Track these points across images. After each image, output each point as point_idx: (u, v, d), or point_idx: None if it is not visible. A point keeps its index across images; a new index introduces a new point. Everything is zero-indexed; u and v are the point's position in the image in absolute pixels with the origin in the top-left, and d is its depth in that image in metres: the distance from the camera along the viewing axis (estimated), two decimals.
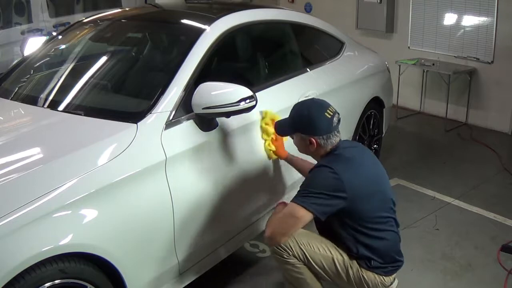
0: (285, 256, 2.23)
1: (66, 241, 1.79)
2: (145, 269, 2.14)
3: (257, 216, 2.84)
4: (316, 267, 2.24)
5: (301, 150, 2.37)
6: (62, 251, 1.78)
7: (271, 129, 2.65)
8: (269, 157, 2.75)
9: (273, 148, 2.71)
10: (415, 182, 4.13)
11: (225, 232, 2.61)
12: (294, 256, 2.22)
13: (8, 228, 1.67)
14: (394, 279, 2.42)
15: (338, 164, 2.14)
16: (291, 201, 2.15)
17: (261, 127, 2.70)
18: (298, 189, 2.19)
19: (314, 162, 2.39)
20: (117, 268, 1.97)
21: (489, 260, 3.05)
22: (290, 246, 2.21)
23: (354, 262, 2.24)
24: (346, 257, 2.25)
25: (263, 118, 2.70)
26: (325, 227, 2.31)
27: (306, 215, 2.09)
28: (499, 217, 3.57)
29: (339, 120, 2.26)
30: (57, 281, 1.78)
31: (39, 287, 1.73)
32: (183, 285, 2.40)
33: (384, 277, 2.26)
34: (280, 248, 2.22)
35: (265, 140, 2.72)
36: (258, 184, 2.79)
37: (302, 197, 2.11)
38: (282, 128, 2.42)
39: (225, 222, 2.59)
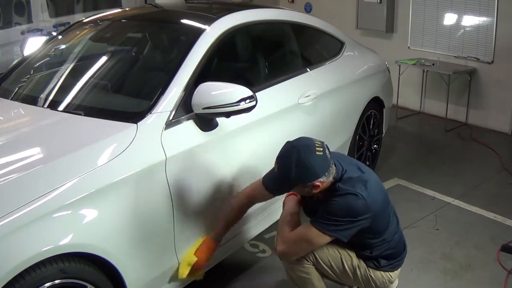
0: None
1: (66, 241, 1.79)
2: (145, 269, 2.14)
3: (257, 216, 2.84)
4: (324, 265, 2.23)
5: (303, 194, 2.26)
6: (62, 251, 1.78)
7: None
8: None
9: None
10: (415, 182, 4.13)
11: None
12: (303, 256, 2.22)
13: (8, 228, 1.67)
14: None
15: (357, 186, 2.08)
16: (312, 224, 2.10)
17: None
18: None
19: None
20: (117, 268, 1.97)
21: (489, 260, 3.05)
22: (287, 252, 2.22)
23: (362, 262, 2.25)
24: (354, 256, 2.25)
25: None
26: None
27: (325, 240, 2.10)
28: (499, 217, 3.57)
29: (328, 148, 2.13)
30: (57, 281, 1.78)
31: (39, 287, 1.73)
32: (183, 285, 2.40)
33: (390, 274, 2.29)
34: None
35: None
36: None
37: (325, 224, 2.07)
38: (278, 188, 2.19)
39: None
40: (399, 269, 2.35)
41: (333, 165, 2.11)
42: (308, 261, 2.24)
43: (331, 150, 2.18)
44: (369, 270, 2.24)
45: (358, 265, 2.25)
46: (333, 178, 2.11)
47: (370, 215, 2.07)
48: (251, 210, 2.75)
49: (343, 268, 2.25)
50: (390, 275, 2.29)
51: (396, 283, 2.43)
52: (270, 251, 3.12)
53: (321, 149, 2.08)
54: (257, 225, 2.86)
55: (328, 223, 2.07)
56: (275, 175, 2.13)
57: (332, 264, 2.24)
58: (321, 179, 2.05)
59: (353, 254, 2.26)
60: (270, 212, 2.94)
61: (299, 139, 2.15)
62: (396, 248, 2.29)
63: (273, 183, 2.15)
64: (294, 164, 2.04)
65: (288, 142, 2.15)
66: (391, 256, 2.27)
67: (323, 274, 2.30)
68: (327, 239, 2.10)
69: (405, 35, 6.15)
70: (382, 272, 2.26)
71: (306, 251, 2.19)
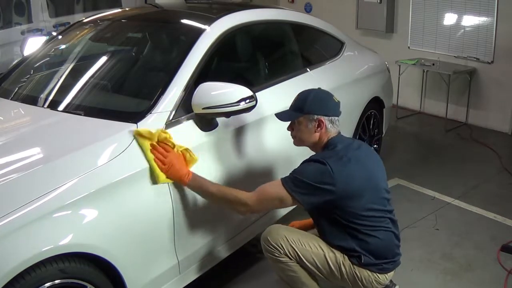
0: (277, 255, 2.25)
1: (66, 241, 1.79)
2: (145, 269, 2.14)
3: (257, 216, 2.84)
4: (308, 265, 2.25)
5: (304, 138, 2.31)
6: (62, 251, 1.78)
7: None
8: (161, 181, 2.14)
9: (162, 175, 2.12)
10: (415, 182, 4.13)
11: (225, 232, 2.61)
12: (286, 255, 2.23)
13: (8, 228, 1.67)
14: (393, 283, 2.42)
15: (332, 158, 2.16)
16: (281, 181, 2.17)
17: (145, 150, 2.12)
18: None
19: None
20: (117, 268, 1.97)
21: (489, 260, 3.05)
22: (281, 245, 2.23)
23: (346, 259, 2.24)
24: (338, 254, 2.25)
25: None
26: (319, 221, 2.32)
27: (289, 200, 2.16)
28: (499, 217, 3.57)
29: (340, 112, 2.33)
30: (57, 281, 1.78)
31: (39, 287, 1.73)
32: (183, 285, 2.40)
33: (378, 275, 2.25)
34: (271, 246, 2.24)
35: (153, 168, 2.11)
36: (258, 184, 2.78)
37: (291, 183, 2.15)
38: (288, 113, 2.34)
39: (225, 222, 2.59)
40: (390, 274, 2.31)
41: (338, 126, 2.30)
42: (292, 259, 2.24)
43: None
44: (353, 267, 2.23)
45: (342, 262, 2.23)
46: (332, 135, 2.27)
47: (333, 189, 2.10)
48: None
49: (328, 267, 2.24)
50: (378, 276, 2.25)
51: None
52: None
53: (337, 100, 2.31)
54: (257, 225, 2.86)
55: (292, 182, 2.14)
56: (288, 109, 2.35)
57: (317, 262, 2.24)
58: (327, 119, 2.25)
59: (337, 252, 2.25)
60: (270, 212, 2.94)
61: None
62: (381, 248, 2.24)
63: (283, 112, 2.37)
64: (312, 96, 2.28)
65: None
66: (375, 254, 2.22)
67: (311, 275, 2.30)
68: (287, 197, 2.14)
69: (405, 35, 6.16)
70: (368, 271, 2.23)
71: (269, 203, 2.24)
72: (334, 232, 2.26)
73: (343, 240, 2.23)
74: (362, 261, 2.21)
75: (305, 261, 2.24)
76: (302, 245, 2.24)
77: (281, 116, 2.37)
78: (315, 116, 2.26)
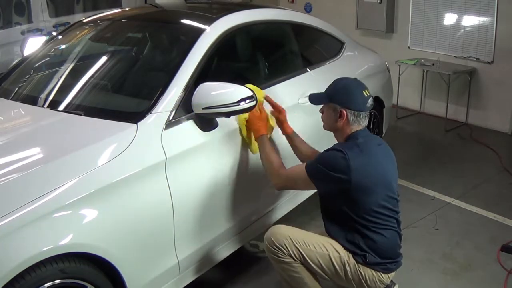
0: (281, 256, 2.24)
1: (66, 241, 1.79)
2: (145, 269, 2.14)
3: (257, 216, 2.84)
4: (313, 265, 2.23)
5: (328, 124, 2.38)
6: (62, 251, 1.78)
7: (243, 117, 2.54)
8: (253, 151, 2.61)
9: (251, 139, 2.58)
10: (415, 182, 4.13)
11: (225, 232, 2.61)
12: (290, 256, 2.22)
13: (8, 228, 1.67)
14: (393, 282, 2.42)
15: (352, 150, 2.19)
16: (307, 163, 2.29)
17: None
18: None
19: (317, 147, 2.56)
20: (117, 268, 1.97)
21: (489, 260, 3.05)
22: (286, 246, 2.22)
23: (351, 258, 2.23)
24: (342, 253, 2.24)
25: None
26: (329, 215, 2.33)
27: (306, 180, 2.24)
28: (499, 217, 3.57)
29: (371, 105, 2.32)
30: (57, 281, 1.78)
31: (39, 287, 1.73)
32: (183, 285, 2.40)
33: (382, 274, 2.25)
34: (275, 247, 2.23)
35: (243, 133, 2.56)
36: (258, 184, 2.79)
37: (313, 167, 2.23)
38: (318, 97, 2.42)
39: (225, 221, 2.59)
40: (392, 274, 2.31)
41: (364, 120, 2.30)
42: (296, 260, 2.24)
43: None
44: (358, 266, 2.22)
45: (347, 261, 2.22)
46: (355, 129, 2.28)
47: (348, 178, 2.13)
48: (251, 210, 2.76)
49: (333, 267, 2.23)
50: (382, 276, 2.25)
51: (396, 287, 2.43)
52: None
53: (368, 94, 2.29)
54: (257, 226, 2.86)
55: (312, 167, 2.23)
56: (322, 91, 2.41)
57: (321, 263, 2.23)
58: (349, 111, 2.26)
59: (340, 249, 2.24)
60: (271, 212, 2.94)
61: (360, 81, 2.37)
62: (387, 247, 2.24)
63: (318, 93, 2.44)
64: (341, 86, 2.33)
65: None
66: (381, 253, 2.22)
67: (315, 275, 2.29)
68: (307, 180, 2.24)
69: (405, 35, 6.16)
70: (372, 271, 2.23)
71: (294, 182, 2.37)
72: (342, 227, 2.26)
73: (350, 235, 2.24)
74: (368, 260, 2.21)
75: (309, 261, 2.23)
76: (306, 245, 2.23)
77: (311, 98, 2.45)
78: (338, 107, 2.28)
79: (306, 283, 2.28)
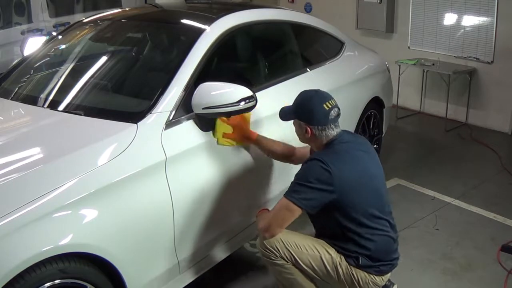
0: (273, 258, 2.25)
1: (66, 241, 1.79)
2: (145, 269, 2.14)
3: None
4: (305, 267, 2.24)
5: (300, 138, 2.38)
6: (62, 251, 1.78)
7: (221, 126, 2.48)
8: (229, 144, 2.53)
9: (226, 140, 2.50)
10: (415, 182, 4.13)
11: (225, 232, 2.61)
12: (282, 258, 2.23)
13: (8, 228, 1.67)
14: (391, 282, 2.42)
15: (329, 156, 2.17)
16: (284, 195, 2.19)
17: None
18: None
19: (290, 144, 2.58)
20: (117, 268, 1.97)
21: (489, 260, 3.05)
22: (277, 248, 2.22)
23: (343, 260, 2.23)
24: (334, 254, 2.24)
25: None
26: (319, 224, 2.32)
27: (296, 209, 2.14)
28: (499, 217, 3.57)
29: (338, 114, 2.27)
30: (57, 281, 1.78)
31: (39, 287, 1.73)
32: (183, 285, 2.40)
33: (375, 276, 2.25)
34: (267, 250, 2.24)
35: (217, 135, 2.47)
36: (258, 184, 2.79)
37: (292, 191, 2.16)
38: (285, 113, 2.40)
39: (225, 222, 2.59)
40: (387, 275, 2.30)
41: (333, 129, 2.24)
42: (288, 262, 2.24)
43: None
44: (350, 268, 2.22)
45: (339, 262, 2.22)
46: (326, 141, 2.25)
47: (334, 189, 2.10)
48: (251, 210, 2.76)
49: (325, 268, 2.23)
50: (375, 278, 2.24)
51: (395, 287, 2.43)
52: None
53: (330, 106, 2.23)
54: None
55: (294, 190, 2.15)
56: (290, 105, 2.37)
57: (313, 264, 2.23)
58: (313, 127, 2.23)
59: (332, 251, 2.24)
60: None
61: (323, 91, 2.33)
62: (379, 248, 2.23)
63: (286, 109, 2.40)
64: (301, 101, 2.31)
65: (315, 89, 2.38)
66: (372, 256, 2.22)
67: (309, 277, 2.29)
68: (293, 207, 2.13)
69: (405, 35, 6.16)
70: (365, 273, 2.22)
71: (285, 221, 2.20)
72: (333, 232, 2.25)
73: (341, 239, 2.23)
74: (360, 263, 2.21)
75: (301, 263, 2.23)
76: (298, 247, 2.23)
77: (280, 114, 2.43)
78: (303, 124, 2.28)
79: (300, 284, 2.28)
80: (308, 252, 2.24)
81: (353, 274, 2.22)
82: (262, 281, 2.85)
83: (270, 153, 2.67)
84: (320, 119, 2.22)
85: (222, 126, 2.47)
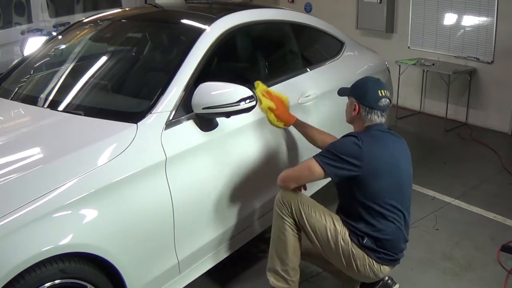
0: (284, 213, 2.39)
1: (66, 241, 1.79)
2: (145, 269, 2.14)
3: (257, 216, 2.84)
4: (309, 229, 2.36)
5: (347, 116, 2.51)
6: (62, 251, 1.78)
7: (267, 100, 2.70)
8: (277, 126, 2.79)
9: (274, 119, 2.75)
10: (415, 182, 4.04)
11: (225, 232, 2.61)
12: (292, 216, 2.38)
13: (8, 228, 1.67)
14: (393, 281, 2.42)
15: (365, 136, 2.29)
16: (312, 156, 2.31)
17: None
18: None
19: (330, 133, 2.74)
20: (117, 268, 1.97)
21: (489, 260, 3.05)
22: (291, 204, 2.37)
23: (347, 235, 2.30)
24: (340, 228, 2.33)
25: (255, 88, 2.71)
26: (341, 197, 2.44)
27: (319, 171, 2.26)
28: (499, 217, 3.57)
29: (387, 105, 2.38)
30: (57, 281, 1.78)
31: (39, 287, 1.73)
32: (183, 285, 2.40)
33: (374, 261, 2.29)
34: (282, 203, 2.39)
35: (266, 113, 2.73)
36: (258, 184, 2.79)
37: (321, 155, 2.28)
38: (344, 89, 2.55)
39: (225, 222, 2.59)
40: (386, 268, 2.32)
41: (378, 117, 2.36)
42: (294, 225, 2.38)
43: None
44: (352, 245, 2.28)
45: (342, 236, 2.30)
46: (369, 123, 2.37)
47: (361, 164, 2.21)
48: (251, 210, 2.76)
49: (327, 237, 2.32)
50: (373, 263, 2.28)
51: (397, 286, 2.43)
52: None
53: (383, 94, 2.36)
54: (257, 226, 2.86)
55: (324, 155, 2.28)
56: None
57: (317, 230, 2.34)
58: (361, 106, 2.36)
59: (339, 225, 2.33)
60: (271, 212, 2.94)
61: (383, 81, 2.51)
62: (388, 237, 2.27)
63: (344, 87, 2.57)
64: (360, 80, 2.49)
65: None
66: (378, 241, 2.27)
67: (309, 239, 2.39)
68: (320, 169, 2.25)
69: (405, 35, 6.16)
70: (365, 254, 2.27)
71: (303, 178, 2.38)
72: (349, 209, 2.34)
73: (355, 218, 2.30)
74: (364, 242, 2.27)
75: (307, 225, 2.35)
76: (309, 210, 2.36)
77: (339, 91, 2.59)
78: (354, 100, 2.41)
79: (287, 252, 2.37)
80: (317, 217, 2.35)
81: (352, 251, 2.29)
82: (262, 281, 2.85)
83: (308, 138, 2.79)
84: (371, 100, 2.35)
85: (267, 101, 2.67)
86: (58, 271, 1.78)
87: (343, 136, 2.37)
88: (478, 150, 4.97)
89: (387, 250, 2.29)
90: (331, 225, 2.34)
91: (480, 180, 4.21)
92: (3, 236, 1.65)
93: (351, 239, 2.29)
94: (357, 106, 2.38)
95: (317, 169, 2.25)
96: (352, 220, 2.31)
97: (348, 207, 2.35)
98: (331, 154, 2.25)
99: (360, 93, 2.40)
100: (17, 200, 1.73)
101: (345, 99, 2.53)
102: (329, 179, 2.34)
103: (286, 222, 2.39)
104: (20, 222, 1.69)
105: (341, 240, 2.30)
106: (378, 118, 2.38)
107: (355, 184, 2.26)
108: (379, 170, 2.24)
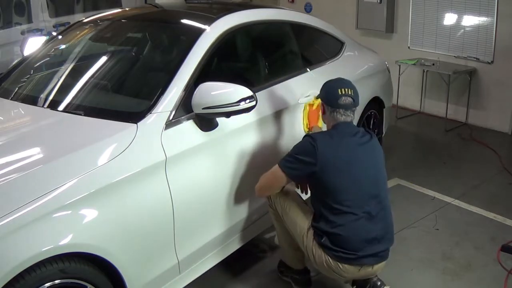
0: (269, 203, 2.65)
1: (66, 241, 1.79)
2: (145, 269, 2.14)
3: (257, 216, 2.84)
4: (286, 223, 2.57)
5: (322, 118, 2.61)
6: (62, 251, 1.78)
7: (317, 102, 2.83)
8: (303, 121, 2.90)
9: (305, 121, 2.85)
10: (415, 182, 4.13)
11: (225, 232, 2.61)
12: (272, 207, 2.63)
13: (8, 228, 1.67)
14: (383, 283, 2.42)
15: (321, 136, 2.41)
16: (277, 163, 2.43)
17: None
18: None
19: None
20: (117, 268, 1.97)
21: (489, 260, 3.05)
22: (272, 199, 2.61)
23: (311, 233, 2.41)
24: (306, 226, 2.44)
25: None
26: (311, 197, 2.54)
27: (281, 175, 2.40)
28: (499, 217, 3.57)
29: (350, 104, 2.42)
30: (57, 281, 1.78)
31: (39, 287, 1.73)
32: (183, 285, 2.40)
33: (330, 259, 2.34)
34: (269, 198, 2.63)
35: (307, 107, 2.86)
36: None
37: (283, 160, 2.41)
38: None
39: (225, 222, 2.59)
40: (347, 266, 2.33)
41: (341, 115, 2.41)
42: (277, 216, 2.61)
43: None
44: (313, 243, 2.39)
45: (307, 234, 2.42)
46: (333, 123, 2.44)
47: (315, 162, 2.30)
48: (251, 210, 2.76)
49: (296, 233, 2.48)
50: (329, 260, 2.34)
51: None
52: (270, 251, 3.12)
53: (343, 93, 2.42)
54: (257, 225, 2.86)
55: (285, 159, 2.41)
56: None
57: (290, 227, 2.53)
58: (325, 106, 2.47)
59: (308, 222, 2.44)
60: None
61: (346, 80, 2.53)
62: (346, 234, 2.30)
63: None
64: (324, 83, 2.56)
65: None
66: (337, 238, 2.31)
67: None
68: (280, 173, 2.39)
69: (405, 35, 6.16)
70: (323, 252, 2.35)
71: (272, 185, 2.50)
72: (314, 207, 2.45)
73: (317, 216, 2.41)
74: (322, 241, 2.35)
75: (284, 218, 2.56)
76: (286, 208, 2.54)
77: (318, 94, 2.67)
78: (322, 101, 2.52)
79: (280, 237, 2.67)
80: (290, 215, 2.52)
81: (312, 248, 2.40)
82: (262, 281, 2.85)
83: None
84: (332, 99, 2.43)
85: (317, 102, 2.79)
86: (58, 271, 1.78)
87: (303, 137, 2.48)
88: (478, 150, 4.97)
89: (345, 249, 2.31)
90: (300, 222, 2.48)
91: (480, 180, 4.21)
92: (3, 236, 1.65)
93: (313, 237, 2.40)
94: (323, 107, 2.51)
95: (279, 174, 2.39)
96: (315, 218, 2.42)
97: (313, 206, 2.46)
98: (290, 156, 2.38)
99: (323, 93, 2.52)
100: (17, 200, 1.73)
101: None
102: None
103: (272, 215, 2.66)
104: (20, 222, 1.69)
105: (306, 238, 2.43)
106: (341, 117, 2.42)
107: (314, 182, 2.38)
108: (334, 167, 2.32)
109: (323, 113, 2.51)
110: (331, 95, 2.45)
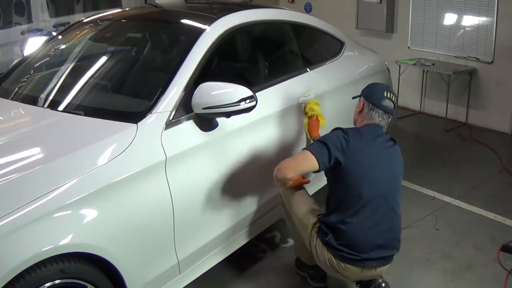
0: (281, 200, 2.73)
1: (66, 241, 1.79)
2: (145, 269, 2.14)
3: (257, 216, 2.84)
4: (292, 218, 2.62)
5: (354, 113, 2.64)
6: (62, 251, 1.78)
7: (319, 109, 2.99)
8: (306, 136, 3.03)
9: (307, 134, 2.99)
10: (415, 182, 4.13)
11: (225, 232, 2.61)
12: (284, 205, 2.71)
13: (8, 228, 1.67)
14: (387, 284, 2.42)
15: (353, 131, 2.42)
16: (303, 148, 2.45)
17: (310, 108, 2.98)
18: None
19: None
20: (117, 268, 1.97)
21: (489, 260, 3.05)
22: (281, 194, 2.69)
23: (314, 231, 2.45)
24: (311, 225, 2.48)
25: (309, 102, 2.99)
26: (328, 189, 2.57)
27: (312, 157, 2.35)
28: (499, 217, 3.57)
29: (390, 108, 2.49)
30: (57, 281, 1.78)
31: (39, 287, 1.73)
32: (183, 285, 2.40)
33: (333, 257, 2.36)
34: (281, 193, 2.70)
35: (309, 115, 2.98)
36: (258, 184, 2.79)
37: (312, 145, 2.42)
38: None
39: (225, 222, 2.59)
40: (350, 267, 2.34)
41: (378, 117, 2.47)
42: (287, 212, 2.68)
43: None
44: (317, 240, 2.42)
45: (312, 233, 2.46)
46: (367, 122, 2.48)
47: (344, 153, 2.33)
48: (251, 210, 2.76)
49: (301, 227, 2.54)
50: (332, 259, 2.36)
51: None
52: (270, 251, 3.12)
53: (387, 96, 2.49)
54: (257, 225, 2.86)
55: (313, 145, 2.42)
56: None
57: (295, 220, 2.58)
58: (366, 102, 2.51)
59: (313, 219, 2.48)
60: (271, 212, 2.94)
61: (391, 87, 2.71)
62: (352, 233, 2.32)
63: None
64: (370, 83, 2.65)
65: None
66: (342, 236, 2.32)
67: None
68: (310, 156, 2.35)
69: (405, 35, 6.16)
70: (325, 250, 2.38)
71: (298, 165, 2.41)
72: (329, 199, 2.47)
73: (330, 208, 2.43)
74: (327, 239, 2.36)
75: (291, 213, 2.63)
76: (293, 202, 2.60)
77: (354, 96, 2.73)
78: (362, 98, 2.56)
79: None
80: (296, 210, 2.58)
81: (315, 245, 2.43)
82: (262, 281, 2.85)
83: None
84: (375, 98, 2.49)
85: (319, 110, 2.96)
86: (58, 271, 1.78)
87: (332, 130, 2.48)
88: (478, 150, 4.97)
89: (348, 249, 2.32)
90: (305, 219, 2.52)
91: (480, 180, 4.21)
92: (3, 236, 1.65)
93: (317, 235, 2.42)
94: (362, 103, 2.53)
95: (309, 155, 2.35)
96: (327, 212, 2.45)
97: (328, 200, 2.48)
98: (320, 143, 2.38)
99: (368, 91, 2.56)
100: (17, 200, 1.73)
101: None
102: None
103: (285, 213, 2.73)
104: (20, 222, 1.69)
105: (310, 235, 2.47)
106: (378, 118, 2.47)
107: (335, 175, 2.39)
108: (359, 164, 2.34)
109: (361, 110, 2.54)
110: (376, 95, 2.50)
